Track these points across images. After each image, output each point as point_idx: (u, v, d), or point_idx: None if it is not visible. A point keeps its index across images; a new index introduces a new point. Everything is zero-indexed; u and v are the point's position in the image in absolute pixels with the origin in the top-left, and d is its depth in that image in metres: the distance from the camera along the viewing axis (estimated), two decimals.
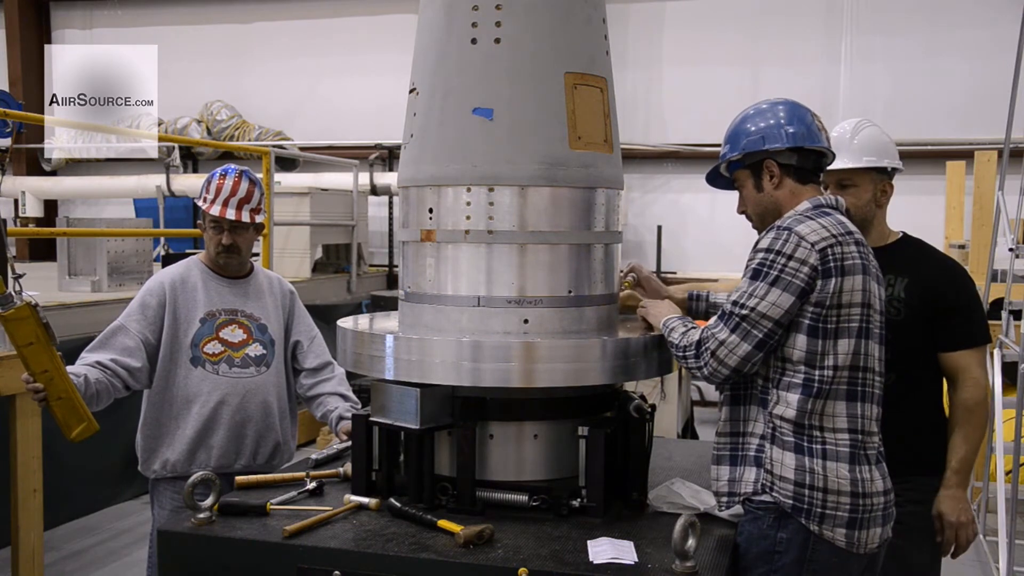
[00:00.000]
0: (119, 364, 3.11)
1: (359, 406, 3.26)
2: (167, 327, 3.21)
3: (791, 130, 2.41)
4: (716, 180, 2.64)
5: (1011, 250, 5.14)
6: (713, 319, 2.35)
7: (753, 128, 2.45)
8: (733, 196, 2.56)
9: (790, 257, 2.24)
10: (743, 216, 2.56)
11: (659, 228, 10.05)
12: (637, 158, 10.01)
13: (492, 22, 2.44)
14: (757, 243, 2.34)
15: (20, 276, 2.70)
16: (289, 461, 3.38)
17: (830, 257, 2.24)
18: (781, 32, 9.98)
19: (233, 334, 3.27)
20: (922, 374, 2.82)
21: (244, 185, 3.22)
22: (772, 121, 2.43)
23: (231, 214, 3.19)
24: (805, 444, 2.26)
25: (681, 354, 2.39)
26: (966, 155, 8.21)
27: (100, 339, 3.16)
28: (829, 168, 2.80)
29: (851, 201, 2.83)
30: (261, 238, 6.81)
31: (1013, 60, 5.49)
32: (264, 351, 3.31)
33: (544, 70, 2.46)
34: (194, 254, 3.52)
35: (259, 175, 4.07)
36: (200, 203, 3.23)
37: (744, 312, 2.26)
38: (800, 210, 2.37)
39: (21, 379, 2.74)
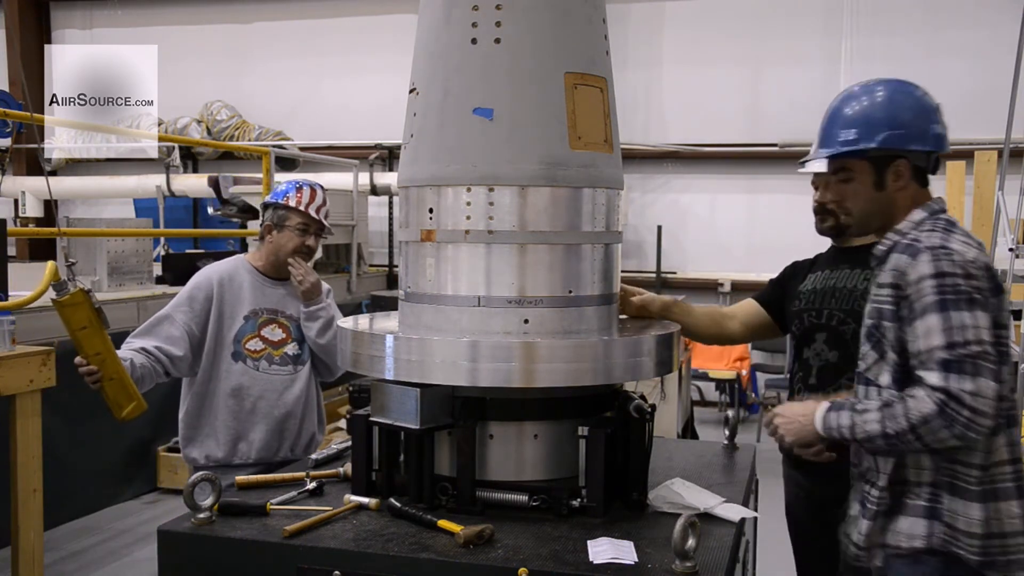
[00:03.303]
0: (162, 352, 3.28)
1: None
2: (212, 321, 3.38)
3: (938, 132, 2.17)
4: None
5: (1011, 250, 5.15)
6: (931, 375, 1.95)
7: (894, 119, 2.17)
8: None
9: (967, 276, 1.99)
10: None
11: (659, 228, 10.05)
12: (637, 158, 10.00)
13: (492, 22, 2.44)
14: (903, 273, 2.05)
15: (72, 264, 2.82)
16: (319, 446, 3.58)
17: (992, 274, 2.04)
18: (781, 32, 9.98)
19: (273, 333, 3.46)
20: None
21: (321, 195, 3.55)
22: (919, 116, 2.18)
23: (324, 219, 3.52)
24: (988, 488, 2.05)
25: (915, 436, 1.97)
26: (966, 155, 8.21)
27: (147, 326, 3.35)
28: (818, 171, 2.77)
29: (850, 202, 2.82)
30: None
31: (1013, 60, 5.50)
32: (299, 351, 3.51)
33: (544, 70, 2.46)
34: (236, 254, 3.78)
35: (259, 175, 4.09)
36: (294, 203, 3.46)
37: (971, 350, 1.94)
38: (915, 219, 2.17)
39: (75, 362, 2.87)
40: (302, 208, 3.46)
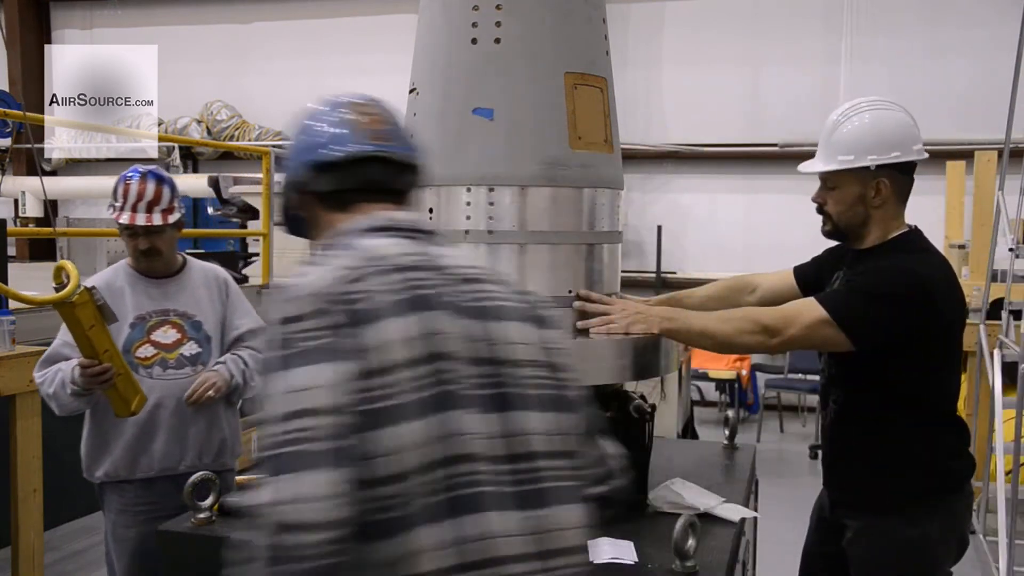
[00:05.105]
0: None
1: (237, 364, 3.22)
2: None
3: None
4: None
5: (1011, 250, 5.14)
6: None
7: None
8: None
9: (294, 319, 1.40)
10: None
11: (659, 228, 10.05)
12: (637, 158, 10.00)
13: (492, 22, 2.44)
14: None
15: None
16: (238, 456, 3.35)
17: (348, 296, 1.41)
18: (781, 32, 9.98)
19: (166, 335, 3.18)
20: (862, 398, 2.51)
21: (151, 187, 3.16)
22: None
23: (141, 219, 3.12)
24: None
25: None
26: (966, 155, 8.22)
27: (45, 359, 3.12)
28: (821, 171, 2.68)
29: (833, 206, 2.54)
30: (260, 238, 6.80)
31: (1013, 60, 5.49)
32: (200, 349, 3.22)
33: (544, 70, 2.46)
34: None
35: (259, 175, 4.02)
36: (110, 212, 3.16)
37: (292, 431, 1.27)
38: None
39: (80, 364, 2.87)
40: (114, 216, 3.14)
